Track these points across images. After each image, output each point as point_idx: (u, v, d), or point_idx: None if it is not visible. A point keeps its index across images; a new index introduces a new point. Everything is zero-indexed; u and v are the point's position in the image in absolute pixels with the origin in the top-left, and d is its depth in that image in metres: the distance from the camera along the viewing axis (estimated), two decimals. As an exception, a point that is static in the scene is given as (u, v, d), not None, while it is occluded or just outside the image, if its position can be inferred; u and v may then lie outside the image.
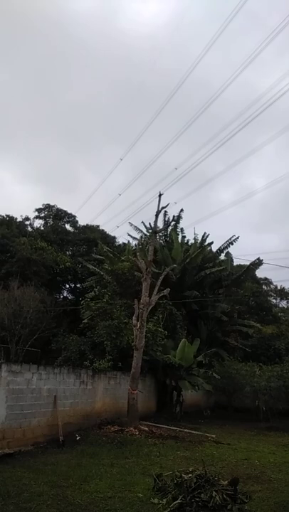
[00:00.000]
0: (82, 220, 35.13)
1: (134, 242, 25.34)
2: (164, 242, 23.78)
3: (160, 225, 24.24)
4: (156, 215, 16.20)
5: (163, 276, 15.40)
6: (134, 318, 14.08)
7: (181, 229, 24.45)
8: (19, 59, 56.88)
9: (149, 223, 24.02)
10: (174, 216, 24.11)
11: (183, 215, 24.26)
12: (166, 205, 16.20)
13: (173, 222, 24.25)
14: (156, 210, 15.82)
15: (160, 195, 15.52)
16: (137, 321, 13.68)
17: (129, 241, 25.58)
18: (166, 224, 24.02)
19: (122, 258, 20.73)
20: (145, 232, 24.58)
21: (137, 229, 24.58)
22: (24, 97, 61.50)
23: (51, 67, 57.26)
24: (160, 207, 15.71)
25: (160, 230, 21.79)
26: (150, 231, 24.39)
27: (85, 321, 16.89)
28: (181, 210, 24.08)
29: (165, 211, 24.35)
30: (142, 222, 24.97)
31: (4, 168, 63.26)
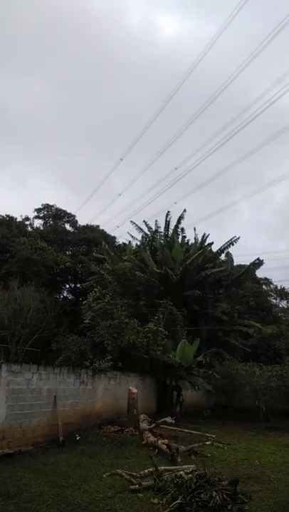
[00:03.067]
0: (83, 220, 35.29)
1: (134, 242, 25.40)
2: (164, 241, 23.80)
3: (161, 225, 24.49)
4: None
5: None
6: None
7: (182, 229, 24.49)
8: (60, 71, 58.31)
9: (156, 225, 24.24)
10: (179, 218, 24.18)
11: (185, 215, 24.32)
12: None
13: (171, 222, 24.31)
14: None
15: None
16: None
17: (130, 241, 25.62)
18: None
19: (124, 258, 20.75)
20: (146, 232, 24.66)
21: (138, 228, 24.63)
22: (56, 104, 62.45)
23: (87, 78, 58.32)
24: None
25: None
26: (151, 230, 24.52)
27: (87, 321, 16.88)
28: (184, 210, 24.16)
29: (168, 211, 24.49)
30: (144, 221, 25.07)
31: (35, 173, 63.86)
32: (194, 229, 26.20)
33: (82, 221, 32.25)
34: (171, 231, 24.36)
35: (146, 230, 24.77)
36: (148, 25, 59.55)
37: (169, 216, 24.38)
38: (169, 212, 24.42)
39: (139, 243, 24.96)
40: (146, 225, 24.83)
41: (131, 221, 25.49)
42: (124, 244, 27.56)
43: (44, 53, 56.60)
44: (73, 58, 56.80)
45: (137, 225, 24.59)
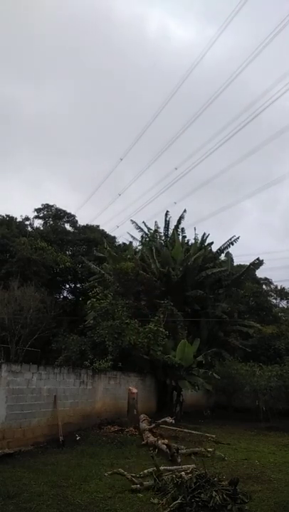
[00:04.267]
0: (83, 220, 35.34)
1: (135, 242, 25.38)
2: (164, 241, 23.81)
3: (161, 226, 24.54)
4: None
5: None
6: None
7: (182, 229, 24.52)
8: (66, 73, 59.14)
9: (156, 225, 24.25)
10: (179, 218, 24.21)
11: (185, 215, 24.34)
12: None
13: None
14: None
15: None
16: None
17: (131, 241, 25.63)
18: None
19: (128, 256, 20.71)
20: (146, 232, 24.67)
21: (138, 227, 24.64)
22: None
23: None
24: None
25: None
26: (151, 230, 24.55)
27: (91, 321, 16.86)
28: (184, 210, 24.20)
29: (167, 211, 24.53)
30: (144, 222, 25.11)
31: (41, 174, 64.37)
32: (194, 229, 26.24)
33: (82, 221, 32.33)
34: (171, 231, 24.39)
35: (146, 230, 24.83)
36: (158, 28, 60.03)
37: (169, 216, 24.43)
38: (168, 211, 24.47)
39: (139, 243, 25.01)
40: (146, 225, 24.89)
41: (131, 220, 25.49)
42: (124, 244, 27.59)
43: (51, 56, 56.98)
44: (86, 62, 57.21)
45: (137, 225, 24.63)
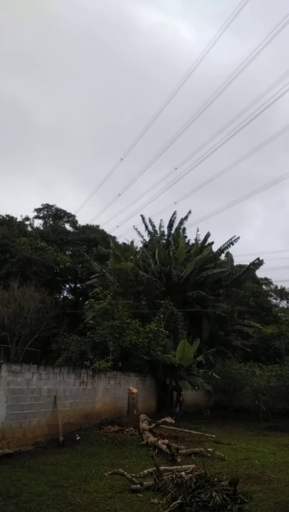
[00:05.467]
0: (83, 220, 35.36)
1: (139, 239, 25.44)
2: (166, 241, 23.83)
3: (164, 225, 24.62)
4: None
5: None
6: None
7: (184, 229, 24.55)
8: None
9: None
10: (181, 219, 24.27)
11: (189, 215, 24.39)
12: None
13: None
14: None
15: None
16: None
17: (132, 241, 25.65)
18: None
19: (131, 257, 20.73)
20: (151, 230, 24.73)
21: (145, 225, 24.72)
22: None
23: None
24: None
25: None
26: (155, 229, 24.62)
27: (91, 321, 16.87)
28: (189, 211, 24.28)
29: (174, 211, 24.63)
30: (150, 220, 25.18)
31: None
32: (197, 229, 26.24)
33: (83, 221, 32.45)
34: (174, 231, 24.44)
35: (150, 228, 24.96)
36: (163, 30, 60.29)
37: (174, 216, 24.52)
38: (175, 211, 24.58)
39: (143, 241, 25.11)
40: (151, 223, 25.00)
41: (141, 215, 25.54)
42: (124, 244, 27.61)
43: (57, 57, 57.06)
44: (89, 64, 57.48)
45: (143, 219, 24.73)
